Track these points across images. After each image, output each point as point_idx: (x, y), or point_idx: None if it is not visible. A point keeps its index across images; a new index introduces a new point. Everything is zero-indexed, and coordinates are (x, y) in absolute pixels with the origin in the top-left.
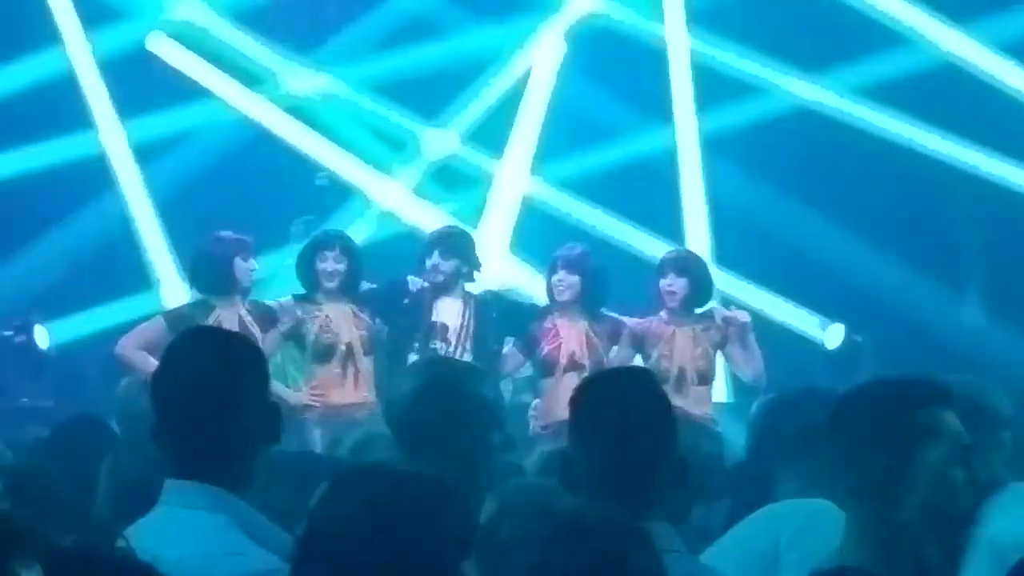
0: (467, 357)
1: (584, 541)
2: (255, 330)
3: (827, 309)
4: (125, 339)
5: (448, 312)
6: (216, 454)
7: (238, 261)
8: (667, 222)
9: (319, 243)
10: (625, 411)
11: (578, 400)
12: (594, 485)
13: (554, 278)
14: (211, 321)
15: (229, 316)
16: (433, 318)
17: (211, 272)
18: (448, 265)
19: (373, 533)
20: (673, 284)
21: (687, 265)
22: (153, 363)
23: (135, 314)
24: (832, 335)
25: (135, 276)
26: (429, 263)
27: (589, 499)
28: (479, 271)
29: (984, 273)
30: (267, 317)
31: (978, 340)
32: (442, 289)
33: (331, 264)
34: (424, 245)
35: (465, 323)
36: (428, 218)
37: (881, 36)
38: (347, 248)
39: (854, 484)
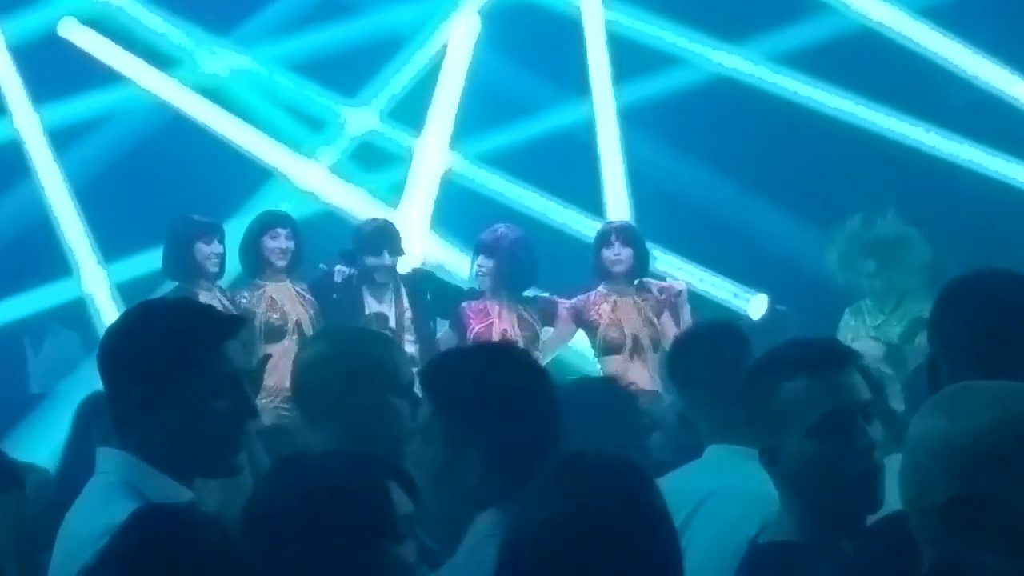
0: (410, 342)
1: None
2: None
3: (750, 279)
4: None
5: (382, 301)
6: (124, 420)
7: (200, 245)
8: (587, 195)
9: (268, 222)
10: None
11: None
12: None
13: (476, 263)
14: None
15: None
16: (368, 310)
17: (174, 255)
18: (393, 261)
19: (299, 522)
20: (620, 253)
21: (632, 235)
22: None
23: (56, 301)
24: (756, 305)
25: (55, 263)
26: (374, 261)
27: None
28: (402, 257)
29: None
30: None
31: None
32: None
33: (283, 242)
34: (360, 241)
35: (402, 310)
36: (348, 197)
37: (797, 2)
38: (295, 227)
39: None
